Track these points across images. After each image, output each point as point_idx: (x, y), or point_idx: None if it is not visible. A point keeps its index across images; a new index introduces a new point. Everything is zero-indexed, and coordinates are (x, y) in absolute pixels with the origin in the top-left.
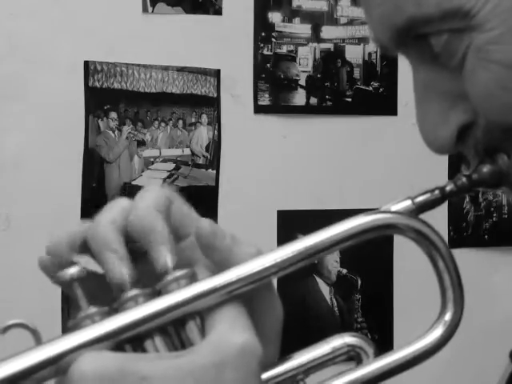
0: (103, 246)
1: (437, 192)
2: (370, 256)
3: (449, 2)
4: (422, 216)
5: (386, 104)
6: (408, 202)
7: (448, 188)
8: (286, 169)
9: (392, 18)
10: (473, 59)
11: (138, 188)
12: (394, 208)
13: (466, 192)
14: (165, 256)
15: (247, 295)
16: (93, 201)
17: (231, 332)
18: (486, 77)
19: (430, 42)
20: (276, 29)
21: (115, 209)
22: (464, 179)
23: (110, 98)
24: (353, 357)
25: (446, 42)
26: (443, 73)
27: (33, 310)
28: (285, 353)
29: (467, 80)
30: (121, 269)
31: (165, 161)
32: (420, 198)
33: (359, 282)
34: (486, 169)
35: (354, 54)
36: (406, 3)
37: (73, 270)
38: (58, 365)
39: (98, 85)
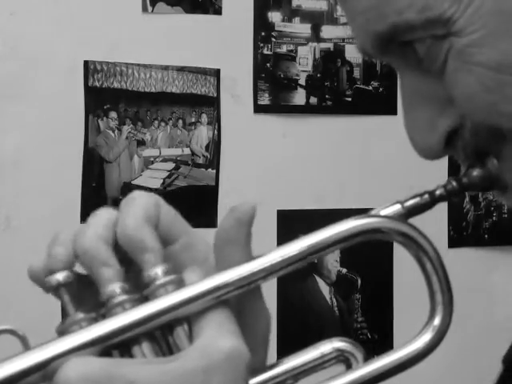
0: (94, 260)
1: (426, 196)
2: (369, 256)
3: (430, 10)
4: (422, 215)
5: (385, 104)
6: (397, 207)
7: (438, 192)
8: (285, 168)
9: (375, 26)
10: (454, 62)
11: (138, 188)
12: (384, 212)
13: (456, 196)
14: (155, 268)
15: (235, 300)
16: (93, 200)
17: (218, 337)
18: (468, 79)
19: (415, 49)
20: (276, 28)
21: (101, 220)
22: (454, 183)
23: (109, 97)
24: (342, 361)
25: (428, 47)
26: (428, 78)
27: (32, 309)
28: (284, 352)
29: (450, 84)
30: (113, 284)
31: (165, 160)
32: (409, 202)
33: (359, 281)
34: (475, 172)
35: (353, 53)
36: (389, 11)
37: (60, 276)
38: (45, 371)
39: (97, 84)
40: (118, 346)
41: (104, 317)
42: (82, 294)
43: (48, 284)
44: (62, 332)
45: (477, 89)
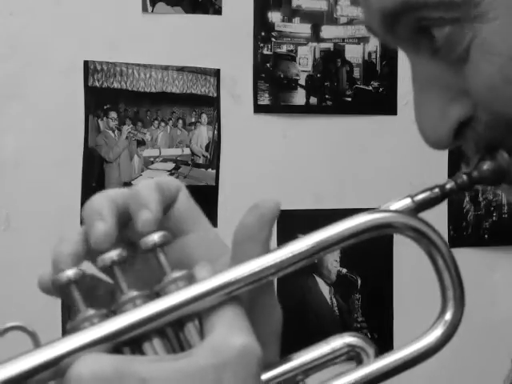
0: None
1: (437, 190)
2: (369, 255)
3: None
4: (422, 215)
5: (385, 103)
6: (408, 201)
7: (448, 186)
8: (285, 168)
9: (386, 1)
10: (477, 52)
11: None
12: (394, 207)
13: (467, 190)
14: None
15: (246, 296)
16: None
17: (230, 334)
18: (489, 70)
19: (433, 35)
20: (276, 28)
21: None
22: (464, 177)
23: (109, 97)
24: (353, 357)
25: (449, 34)
26: (443, 67)
27: (33, 310)
28: (284, 352)
29: (470, 73)
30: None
31: (165, 160)
32: (420, 197)
33: (359, 281)
34: (486, 166)
35: (353, 53)
36: None
37: (70, 272)
38: (57, 367)
39: (97, 84)
40: (128, 342)
41: (115, 313)
42: (90, 293)
43: (58, 281)
44: (74, 328)
45: (497, 80)
